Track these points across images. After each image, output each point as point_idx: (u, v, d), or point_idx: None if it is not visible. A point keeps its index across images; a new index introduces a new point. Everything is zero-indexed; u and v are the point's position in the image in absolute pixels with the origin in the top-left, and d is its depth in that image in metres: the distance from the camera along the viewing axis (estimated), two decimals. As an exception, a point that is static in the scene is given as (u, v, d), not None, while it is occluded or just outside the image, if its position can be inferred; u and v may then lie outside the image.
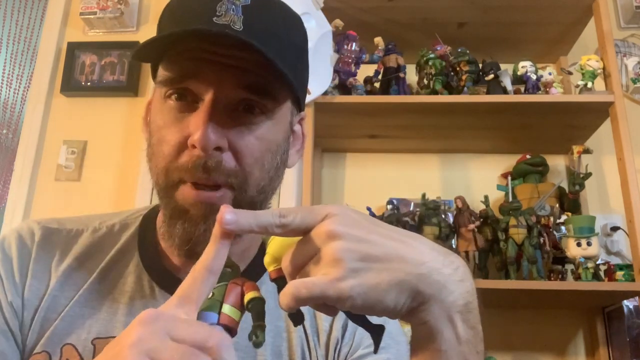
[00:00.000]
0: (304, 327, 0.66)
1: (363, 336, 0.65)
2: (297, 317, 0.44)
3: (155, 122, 0.63)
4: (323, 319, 0.67)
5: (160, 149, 0.61)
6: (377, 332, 0.44)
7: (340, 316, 0.66)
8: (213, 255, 0.42)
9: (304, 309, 0.66)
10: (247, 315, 0.43)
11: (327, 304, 0.41)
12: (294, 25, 0.66)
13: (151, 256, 0.68)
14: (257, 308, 0.43)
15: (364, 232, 0.42)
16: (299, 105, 0.69)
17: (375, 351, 0.46)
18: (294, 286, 0.41)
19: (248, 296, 0.43)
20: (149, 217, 0.72)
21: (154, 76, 0.65)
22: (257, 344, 0.41)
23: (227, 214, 0.42)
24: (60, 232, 0.69)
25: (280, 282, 0.44)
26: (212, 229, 0.57)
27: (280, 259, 0.44)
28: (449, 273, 0.43)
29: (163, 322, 0.38)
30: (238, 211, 0.42)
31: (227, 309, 0.42)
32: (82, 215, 0.74)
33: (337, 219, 0.41)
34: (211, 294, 0.42)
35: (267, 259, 0.45)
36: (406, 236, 0.43)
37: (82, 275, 0.66)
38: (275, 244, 0.44)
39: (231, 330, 0.42)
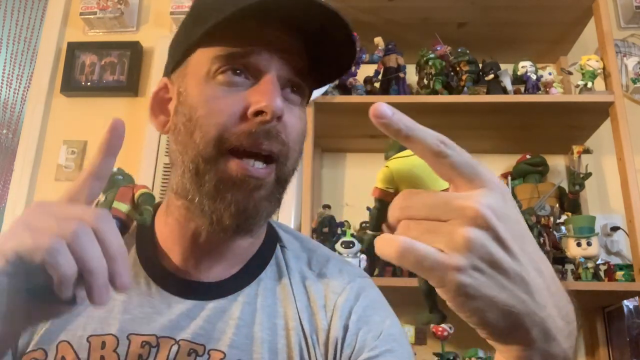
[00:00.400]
0: (301, 324, 0.66)
1: (366, 338, 0.65)
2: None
3: (198, 97, 0.62)
4: (321, 317, 0.67)
5: (210, 120, 0.61)
6: (438, 319, 0.41)
7: (341, 316, 0.66)
8: (98, 163, 0.47)
9: (302, 308, 0.67)
10: None
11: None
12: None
13: (149, 254, 0.68)
14: (146, 197, 0.47)
15: (509, 234, 0.36)
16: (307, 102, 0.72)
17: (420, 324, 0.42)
18: (404, 245, 0.35)
19: (138, 192, 0.48)
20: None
21: (178, 60, 0.66)
22: (141, 221, 0.49)
23: (383, 105, 0.38)
24: None
25: (381, 203, 0.39)
26: (259, 203, 0.61)
27: (394, 182, 0.38)
28: (561, 326, 0.38)
29: (49, 206, 0.45)
30: (395, 110, 0.38)
31: (115, 204, 0.48)
32: None
33: (492, 201, 0.35)
34: (104, 197, 0.48)
35: (382, 175, 0.39)
36: (542, 263, 0.38)
37: None
38: (399, 164, 0.39)
39: (123, 222, 0.48)
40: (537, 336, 0.37)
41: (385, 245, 0.35)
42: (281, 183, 0.64)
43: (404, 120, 0.37)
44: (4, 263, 0.42)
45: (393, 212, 0.37)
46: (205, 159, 0.60)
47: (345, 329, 0.66)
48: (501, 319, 0.36)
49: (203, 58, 0.63)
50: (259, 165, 0.61)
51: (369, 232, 0.39)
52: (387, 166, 0.39)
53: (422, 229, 0.35)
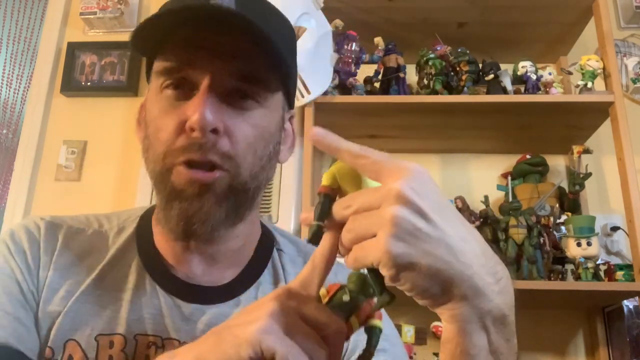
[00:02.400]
0: None
1: (358, 339, 0.65)
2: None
3: (151, 113, 0.64)
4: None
5: (157, 137, 0.62)
6: (387, 299, 0.43)
7: None
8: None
9: None
10: None
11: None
12: (284, 23, 0.69)
13: (150, 256, 0.68)
14: (374, 337, 0.45)
15: (429, 208, 0.40)
16: (289, 101, 0.70)
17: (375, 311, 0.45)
18: (352, 253, 0.41)
19: (374, 322, 0.45)
20: (146, 218, 0.72)
21: (149, 71, 0.67)
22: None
23: (319, 129, 0.44)
24: (62, 226, 0.70)
25: (325, 198, 0.44)
26: (207, 207, 0.60)
27: (337, 181, 0.45)
28: (490, 282, 0.42)
29: (294, 300, 0.43)
30: (327, 132, 0.44)
31: (353, 319, 0.45)
32: (80, 215, 0.74)
33: (411, 181, 0.40)
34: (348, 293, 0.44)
35: (327, 175, 0.45)
36: (465, 230, 0.42)
37: (80, 272, 0.66)
38: (341, 167, 0.45)
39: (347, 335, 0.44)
40: (467, 292, 0.41)
41: (346, 259, 0.42)
42: (237, 193, 0.63)
43: (333, 138, 0.44)
44: None
45: (339, 212, 0.43)
46: (157, 174, 0.62)
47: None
48: (430, 282, 0.40)
49: (154, 72, 0.65)
50: (205, 171, 0.60)
51: (313, 222, 0.43)
52: (331, 169, 0.46)
53: (361, 219, 0.41)
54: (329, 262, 0.44)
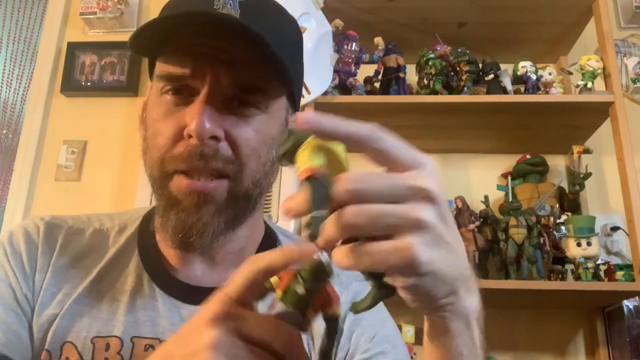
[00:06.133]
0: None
1: (359, 341, 0.65)
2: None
3: (151, 117, 0.64)
4: (317, 323, 0.66)
5: (155, 141, 0.61)
6: (386, 293, 0.39)
7: None
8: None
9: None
10: None
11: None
12: (290, 24, 0.68)
13: (151, 257, 0.68)
14: (332, 326, 0.41)
15: (446, 208, 0.38)
16: (294, 103, 0.69)
17: (370, 307, 0.41)
18: (358, 253, 0.36)
19: (331, 310, 0.40)
20: (148, 218, 0.72)
21: (151, 71, 0.66)
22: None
23: (308, 113, 0.36)
24: (62, 227, 0.70)
25: (318, 182, 0.35)
26: (206, 219, 0.59)
27: (325, 162, 0.36)
28: (473, 279, 0.43)
29: (233, 319, 0.38)
30: (320, 115, 0.37)
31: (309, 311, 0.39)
32: (82, 215, 0.74)
33: (436, 180, 0.37)
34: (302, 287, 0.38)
35: (311, 153, 0.36)
36: (456, 229, 0.41)
37: (78, 274, 0.66)
38: (322, 143, 0.36)
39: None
40: (465, 292, 0.41)
41: (341, 256, 0.36)
42: (237, 201, 0.62)
43: (331, 122, 0.37)
44: None
45: (340, 195, 0.35)
46: (156, 180, 0.62)
47: (340, 332, 0.66)
48: (440, 287, 0.38)
49: (155, 74, 0.64)
50: (205, 180, 0.59)
51: (314, 214, 0.34)
52: (308, 145, 0.36)
53: (376, 212, 0.35)
54: (286, 264, 0.39)
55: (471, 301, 0.42)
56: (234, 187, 0.61)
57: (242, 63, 0.60)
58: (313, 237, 0.35)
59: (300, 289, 0.38)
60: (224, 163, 0.60)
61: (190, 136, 0.58)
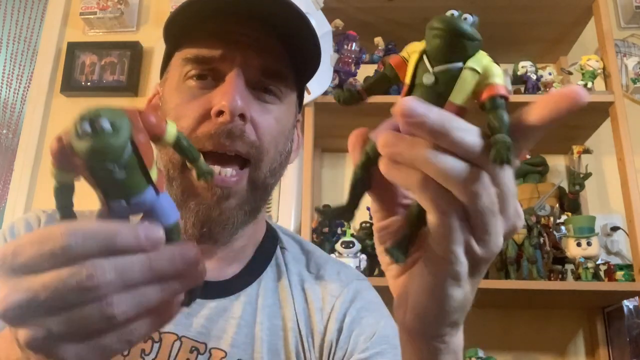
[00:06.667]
0: (299, 326, 0.66)
1: (358, 340, 0.65)
2: None
3: (171, 101, 0.64)
4: (317, 320, 0.67)
5: (178, 125, 0.61)
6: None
7: (336, 319, 0.66)
8: None
9: (300, 310, 0.66)
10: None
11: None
12: (310, 26, 0.69)
13: None
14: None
15: None
16: (300, 103, 0.72)
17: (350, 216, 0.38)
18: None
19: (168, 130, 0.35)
20: None
21: (165, 64, 0.67)
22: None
23: (412, 104, 0.30)
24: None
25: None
26: (228, 212, 0.60)
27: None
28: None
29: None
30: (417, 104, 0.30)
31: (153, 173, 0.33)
32: (85, 210, 0.74)
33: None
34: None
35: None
36: None
37: None
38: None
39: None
40: (460, 330, 0.39)
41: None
42: (257, 190, 0.63)
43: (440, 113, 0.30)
44: None
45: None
46: (173, 164, 0.62)
47: (339, 331, 0.66)
48: (459, 305, 0.35)
49: (177, 60, 0.65)
50: (228, 172, 0.60)
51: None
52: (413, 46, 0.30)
53: (487, 184, 0.32)
54: None
55: (462, 340, 0.40)
56: (253, 174, 0.62)
57: (272, 51, 0.62)
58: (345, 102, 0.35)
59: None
60: (248, 146, 0.61)
61: (219, 114, 0.59)
